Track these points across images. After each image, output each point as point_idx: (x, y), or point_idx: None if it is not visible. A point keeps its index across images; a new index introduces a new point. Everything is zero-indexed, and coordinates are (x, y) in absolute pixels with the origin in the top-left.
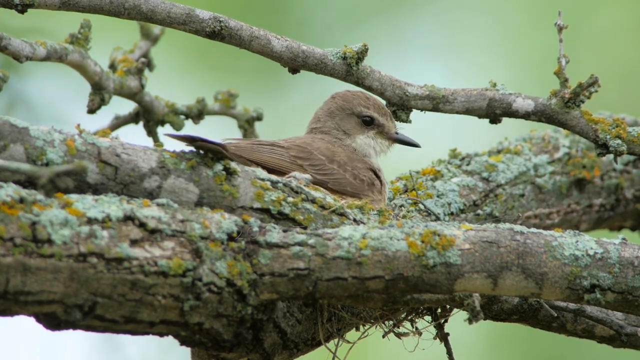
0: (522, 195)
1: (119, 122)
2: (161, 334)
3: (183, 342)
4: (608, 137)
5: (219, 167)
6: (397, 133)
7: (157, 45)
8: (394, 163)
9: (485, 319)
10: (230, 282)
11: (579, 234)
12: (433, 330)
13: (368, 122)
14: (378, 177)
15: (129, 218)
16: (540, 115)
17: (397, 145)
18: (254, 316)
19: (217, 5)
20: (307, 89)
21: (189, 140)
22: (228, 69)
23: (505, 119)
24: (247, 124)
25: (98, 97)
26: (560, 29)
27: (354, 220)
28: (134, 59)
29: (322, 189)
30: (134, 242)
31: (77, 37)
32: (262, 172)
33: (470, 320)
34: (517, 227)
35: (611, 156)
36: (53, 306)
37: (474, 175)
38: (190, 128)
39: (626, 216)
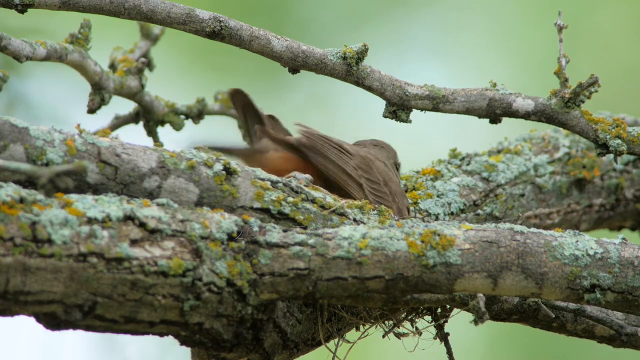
0: (522, 195)
1: (119, 122)
2: (161, 334)
3: (183, 342)
4: (608, 137)
5: (218, 166)
6: None
7: (157, 45)
8: None
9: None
10: (230, 282)
11: (579, 233)
12: (433, 330)
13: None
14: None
15: (129, 218)
16: (540, 115)
17: (401, 145)
18: (254, 316)
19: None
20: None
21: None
22: (228, 69)
23: (505, 119)
24: None
25: (98, 97)
26: (560, 29)
27: (354, 220)
28: (134, 59)
29: (322, 188)
30: (134, 242)
31: (77, 37)
32: (261, 172)
33: (476, 322)
34: (517, 227)
35: (611, 156)
36: (53, 306)
37: (474, 175)
38: (190, 128)
39: (626, 216)
